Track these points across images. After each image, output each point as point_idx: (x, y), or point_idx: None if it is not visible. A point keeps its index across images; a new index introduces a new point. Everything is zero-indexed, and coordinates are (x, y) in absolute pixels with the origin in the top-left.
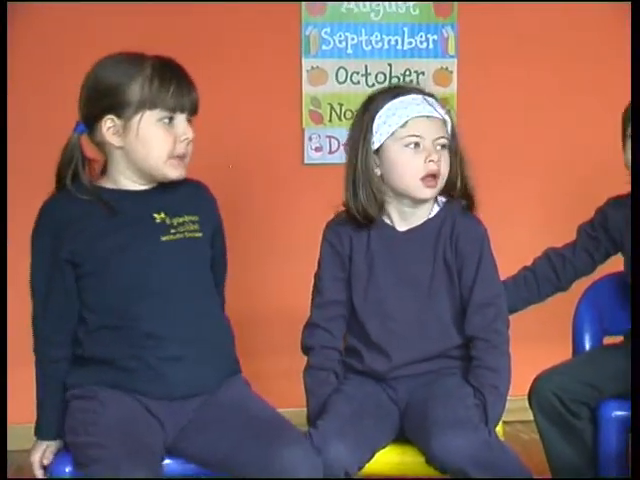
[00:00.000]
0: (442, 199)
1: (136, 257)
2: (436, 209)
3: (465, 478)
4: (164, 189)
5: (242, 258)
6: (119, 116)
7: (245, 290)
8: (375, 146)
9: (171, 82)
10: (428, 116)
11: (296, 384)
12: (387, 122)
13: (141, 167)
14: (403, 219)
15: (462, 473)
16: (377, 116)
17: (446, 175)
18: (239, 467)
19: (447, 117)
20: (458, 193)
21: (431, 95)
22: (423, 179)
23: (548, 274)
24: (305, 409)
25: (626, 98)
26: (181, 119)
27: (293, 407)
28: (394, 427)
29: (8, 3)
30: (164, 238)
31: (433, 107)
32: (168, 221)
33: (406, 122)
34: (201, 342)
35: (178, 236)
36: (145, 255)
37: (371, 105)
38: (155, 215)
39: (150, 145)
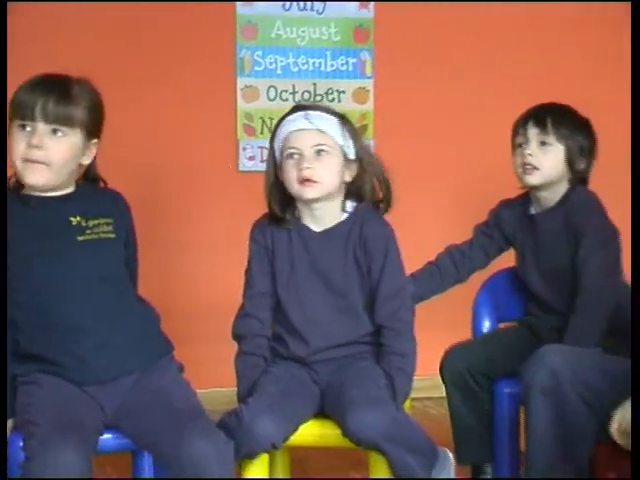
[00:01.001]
0: (352, 204)
1: (55, 257)
2: (347, 213)
3: (376, 449)
4: (80, 195)
5: (183, 255)
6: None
7: (182, 285)
8: (278, 161)
9: (31, 94)
10: (302, 129)
11: (228, 368)
12: (277, 140)
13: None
14: (315, 221)
15: (374, 444)
16: (275, 135)
17: (327, 176)
18: (159, 450)
19: (326, 128)
20: (367, 197)
21: (317, 108)
22: (300, 183)
23: (449, 268)
24: (234, 389)
25: (530, 104)
26: (39, 128)
27: (225, 387)
28: (315, 404)
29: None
30: (80, 238)
31: (308, 120)
32: (84, 223)
33: (285, 138)
34: (122, 330)
35: (93, 236)
36: (63, 254)
37: (275, 127)
38: (71, 218)
39: (10, 150)
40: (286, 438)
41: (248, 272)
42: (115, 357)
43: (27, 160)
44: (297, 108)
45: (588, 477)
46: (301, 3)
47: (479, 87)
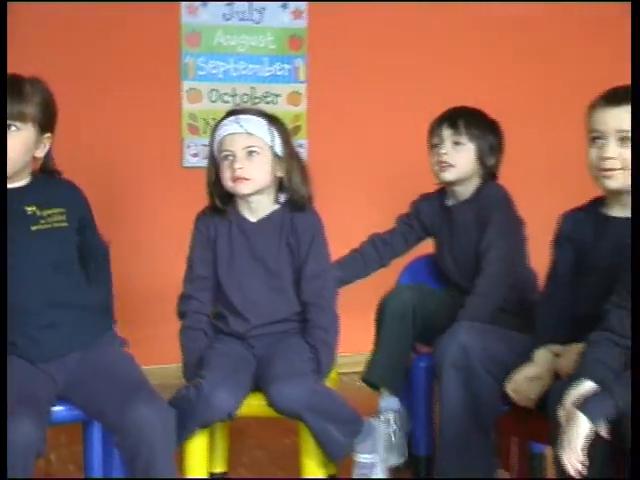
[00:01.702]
0: (284, 196)
1: (10, 246)
2: (279, 204)
3: (298, 418)
4: (36, 186)
5: (133, 244)
6: None
7: (133, 270)
8: (217, 161)
9: (7, 94)
10: (233, 133)
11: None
12: (215, 142)
13: None
14: (251, 212)
15: (296, 414)
16: (213, 138)
17: (258, 174)
18: (106, 419)
19: (255, 130)
20: (295, 190)
21: (248, 112)
22: (234, 181)
23: (372, 254)
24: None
25: (446, 105)
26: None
27: (174, 363)
28: (254, 378)
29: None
30: (34, 228)
31: (239, 124)
32: (38, 212)
33: (220, 141)
34: (69, 311)
35: (47, 226)
36: (18, 243)
37: (213, 131)
38: (27, 208)
39: None
40: (237, 408)
41: (190, 258)
42: (62, 336)
43: None
44: (230, 113)
45: (493, 443)
46: (241, 14)
47: (402, 90)
